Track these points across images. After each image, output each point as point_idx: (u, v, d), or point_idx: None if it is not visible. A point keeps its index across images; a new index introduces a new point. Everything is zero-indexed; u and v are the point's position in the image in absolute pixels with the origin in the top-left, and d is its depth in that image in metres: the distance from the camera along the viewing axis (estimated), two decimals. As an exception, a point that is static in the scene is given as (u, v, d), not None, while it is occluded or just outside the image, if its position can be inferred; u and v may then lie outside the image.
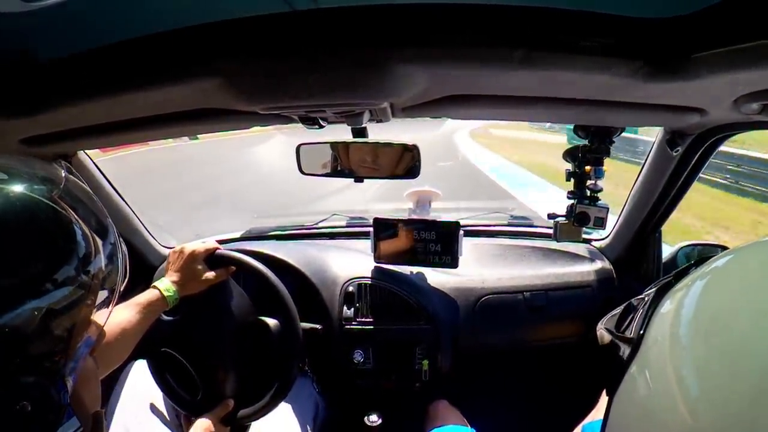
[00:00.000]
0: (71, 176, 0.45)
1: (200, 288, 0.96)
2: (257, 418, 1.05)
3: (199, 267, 0.96)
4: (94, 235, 0.43)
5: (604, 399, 1.08)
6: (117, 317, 0.78)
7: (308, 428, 1.14)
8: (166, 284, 0.90)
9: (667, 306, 0.36)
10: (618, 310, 0.69)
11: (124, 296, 0.95)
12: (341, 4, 0.40)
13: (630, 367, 0.35)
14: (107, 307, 0.46)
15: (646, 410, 0.31)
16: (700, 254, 1.33)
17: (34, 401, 0.36)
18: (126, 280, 0.50)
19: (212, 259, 1.00)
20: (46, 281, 0.37)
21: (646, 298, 0.43)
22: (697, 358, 0.29)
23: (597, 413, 0.98)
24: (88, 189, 0.47)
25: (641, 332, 0.36)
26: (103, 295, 0.44)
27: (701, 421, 0.26)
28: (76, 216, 0.42)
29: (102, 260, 0.44)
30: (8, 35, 0.45)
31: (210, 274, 0.97)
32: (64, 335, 0.39)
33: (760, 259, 0.33)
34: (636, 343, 0.36)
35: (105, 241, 0.45)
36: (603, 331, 0.74)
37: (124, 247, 0.51)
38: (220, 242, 1.53)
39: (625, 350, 0.39)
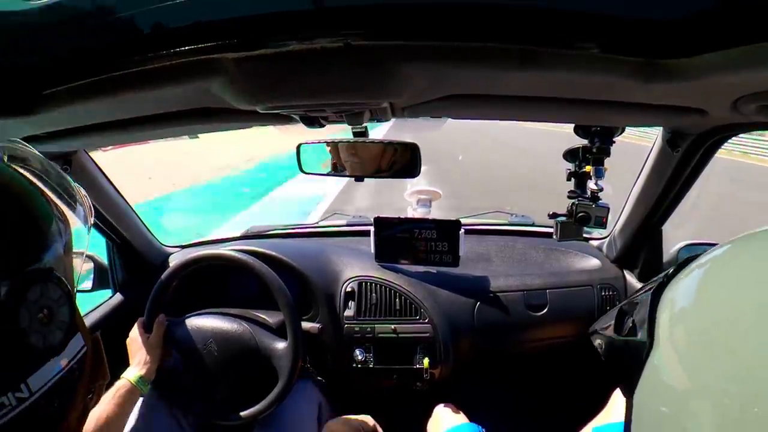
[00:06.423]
0: (14, 141, 0.46)
1: (156, 353, 1.04)
2: (261, 416, 1.06)
3: (140, 340, 1.04)
4: (54, 186, 0.44)
5: (613, 400, 1.07)
6: (95, 413, 0.84)
7: (313, 429, 1.14)
8: (131, 373, 0.98)
9: (669, 308, 0.35)
10: (608, 317, 0.67)
11: (136, 301, 0.95)
12: (346, 3, 0.40)
13: (644, 370, 0.34)
14: (83, 248, 0.47)
15: (664, 416, 0.31)
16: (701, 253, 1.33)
17: (50, 307, 0.38)
18: (93, 214, 0.51)
19: (145, 327, 1.08)
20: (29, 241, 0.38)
21: (639, 301, 0.42)
22: (711, 357, 0.29)
23: (607, 416, 0.97)
24: (35, 151, 0.47)
25: (649, 337, 0.35)
26: (77, 236, 0.45)
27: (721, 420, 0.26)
28: (30, 174, 0.43)
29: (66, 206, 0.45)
30: (7, 33, 0.45)
31: (151, 339, 1.05)
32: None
33: (758, 252, 0.33)
34: (647, 349, 0.35)
35: (64, 187, 0.46)
36: (599, 337, 0.73)
37: (82, 191, 0.51)
38: (221, 241, 1.55)
39: (634, 354, 0.38)
